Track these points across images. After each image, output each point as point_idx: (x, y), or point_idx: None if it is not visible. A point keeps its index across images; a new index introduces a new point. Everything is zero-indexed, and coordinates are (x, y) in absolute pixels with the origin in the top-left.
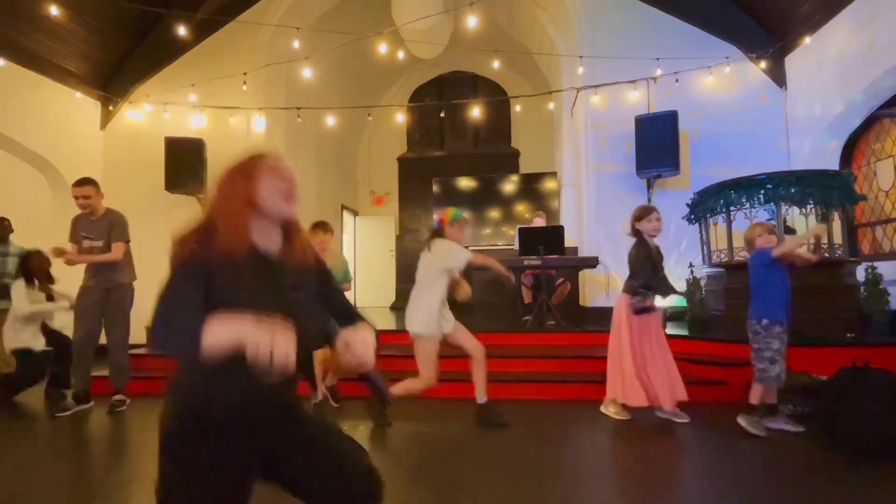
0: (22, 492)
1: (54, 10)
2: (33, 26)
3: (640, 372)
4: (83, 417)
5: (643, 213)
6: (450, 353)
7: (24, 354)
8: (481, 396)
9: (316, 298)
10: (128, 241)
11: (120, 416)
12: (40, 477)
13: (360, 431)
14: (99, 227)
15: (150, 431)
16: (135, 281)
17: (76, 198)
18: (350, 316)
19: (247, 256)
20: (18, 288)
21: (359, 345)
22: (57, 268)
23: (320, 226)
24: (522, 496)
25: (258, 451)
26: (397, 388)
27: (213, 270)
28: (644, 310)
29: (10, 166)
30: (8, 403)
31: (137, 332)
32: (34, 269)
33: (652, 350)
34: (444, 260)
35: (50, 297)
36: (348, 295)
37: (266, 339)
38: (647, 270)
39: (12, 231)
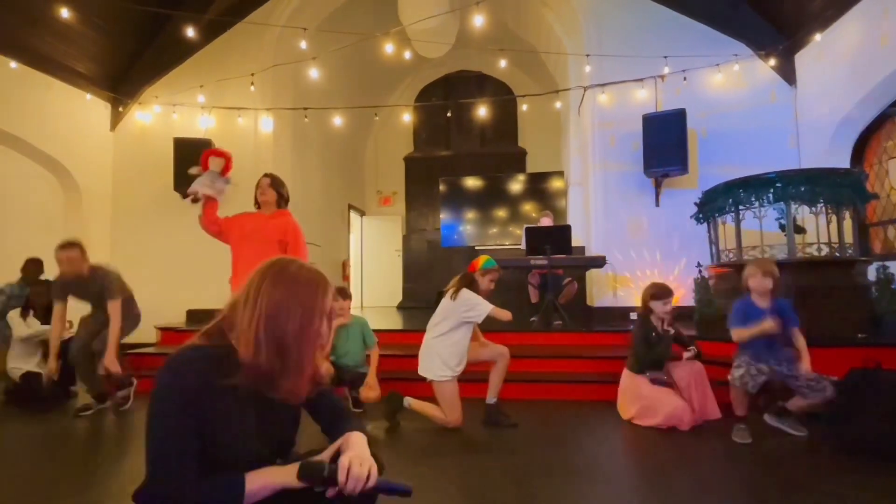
0: (44, 482)
1: (65, 13)
2: (44, 29)
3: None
4: (99, 415)
5: (660, 294)
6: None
7: (32, 376)
8: (492, 397)
9: (295, 418)
10: (122, 297)
11: (127, 412)
12: (58, 469)
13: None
14: (89, 289)
15: None
16: (131, 298)
17: (60, 261)
18: (340, 420)
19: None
20: (13, 315)
21: (355, 469)
22: None
23: (339, 292)
24: (529, 495)
25: None
26: (419, 405)
27: (209, 402)
28: (660, 382)
29: (23, 167)
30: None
31: (147, 333)
32: (32, 299)
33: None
34: (465, 311)
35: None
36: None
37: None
38: (641, 350)
39: (43, 272)
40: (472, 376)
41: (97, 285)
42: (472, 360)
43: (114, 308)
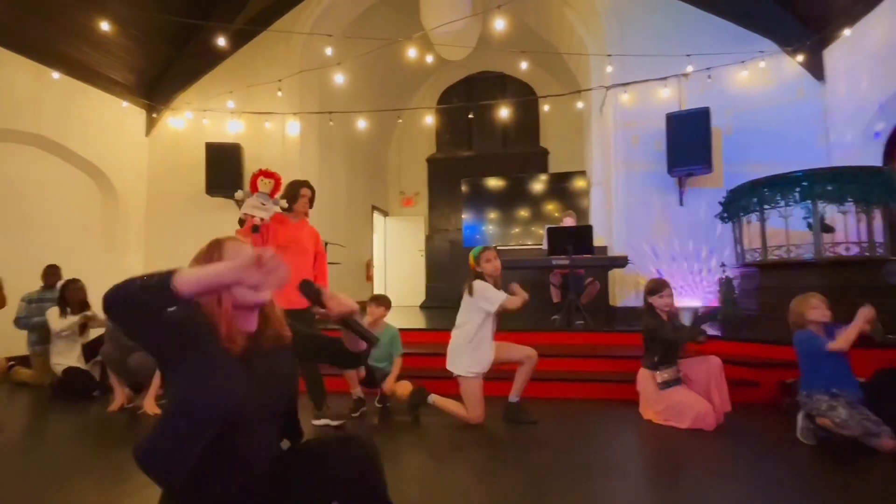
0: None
1: (104, 25)
2: (83, 40)
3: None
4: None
5: (656, 288)
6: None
7: (72, 370)
8: (515, 395)
9: (293, 363)
10: None
11: (164, 407)
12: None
13: (395, 424)
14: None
15: None
16: None
17: None
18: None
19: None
20: (51, 312)
21: (343, 297)
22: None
23: (375, 299)
24: (548, 489)
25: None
26: (442, 402)
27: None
28: (668, 384)
29: (63, 172)
30: (69, 398)
31: None
32: (68, 297)
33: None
34: (482, 301)
35: (84, 326)
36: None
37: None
38: (658, 343)
39: (60, 278)
40: (497, 375)
41: None
42: (502, 359)
43: None
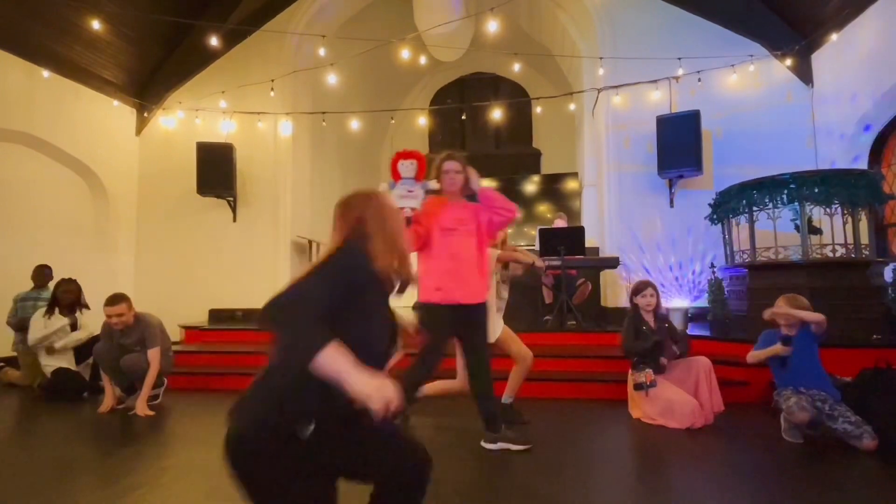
0: (71, 475)
1: (96, 24)
2: (74, 39)
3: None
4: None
5: (639, 288)
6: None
7: (61, 371)
8: (508, 397)
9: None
10: (162, 346)
11: (155, 408)
12: (88, 462)
13: None
14: (133, 334)
15: (185, 422)
16: (169, 348)
17: (109, 316)
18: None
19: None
20: (35, 319)
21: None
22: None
23: None
24: (538, 489)
25: (345, 456)
26: (431, 388)
27: (368, 285)
28: (641, 386)
29: (53, 171)
30: (62, 399)
31: (171, 332)
32: (59, 297)
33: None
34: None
35: (73, 326)
36: None
37: (382, 401)
38: (629, 340)
39: (52, 278)
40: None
41: (139, 330)
42: (501, 344)
43: (153, 355)
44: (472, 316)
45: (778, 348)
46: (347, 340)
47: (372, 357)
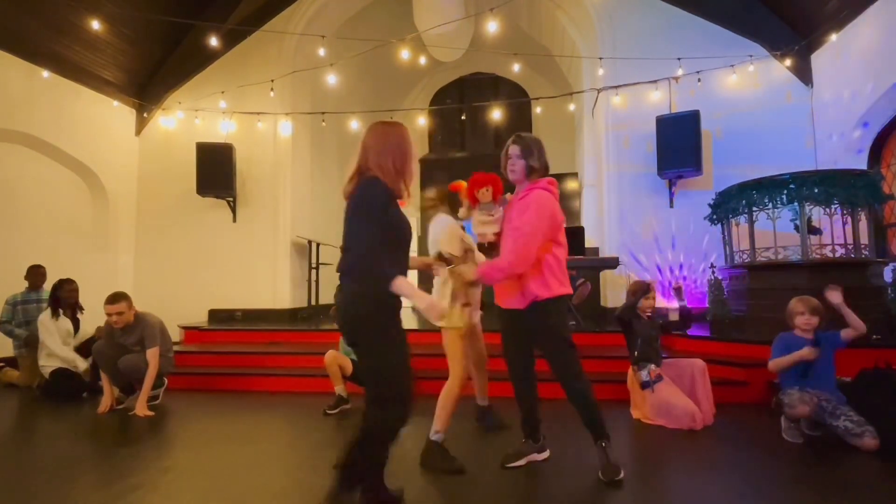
0: (72, 476)
1: (96, 25)
2: (74, 39)
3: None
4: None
5: (642, 289)
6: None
7: (60, 371)
8: (482, 399)
9: None
10: (161, 346)
11: (155, 408)
12: (89, 463)
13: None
14: (133, 334)
15: (185, 423)
16: (170, 350)
17: (109, 315)
18: None
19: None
20: (42, 320)
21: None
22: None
23: None
24: (536, 490)
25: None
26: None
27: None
28: (647, 384)
29: (53, 172)
30: (61, 399)
31: (171, 332)
32: (62, 298)
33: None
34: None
35: (76, 326)
36: None
37: (433, 306)
38: (634, 343)
39: (46, 279)
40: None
41: (139, 329)
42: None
43: (152, 355)
44: (521, 321)
45: (806, 352)
46: (395, 246)
47: (405, 248)
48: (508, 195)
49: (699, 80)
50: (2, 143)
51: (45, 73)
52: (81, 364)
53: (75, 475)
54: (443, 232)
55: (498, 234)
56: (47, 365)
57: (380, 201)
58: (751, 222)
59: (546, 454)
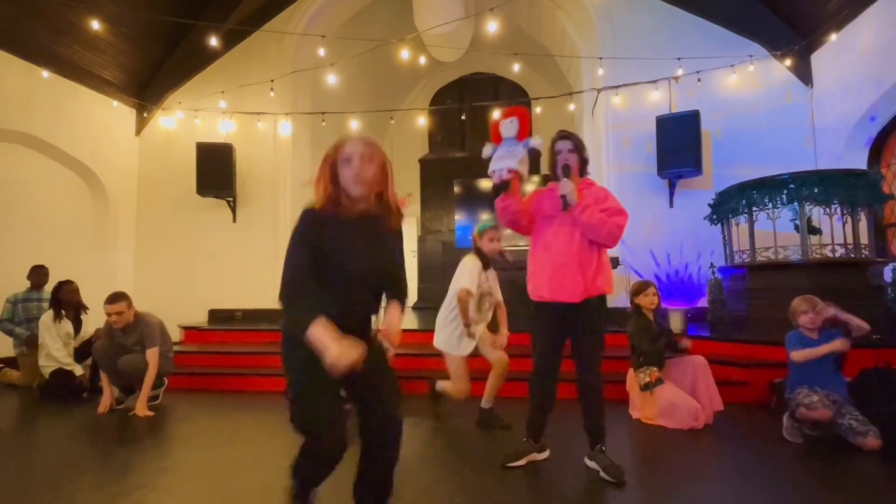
0: (70, 476)
1: (95, 24)
2: (74, 39)
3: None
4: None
5: (640, 289)
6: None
7: (60, 371)
8: (487, 401)
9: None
10: (161, 347)
11: (155, 408)
12: (89, 461)
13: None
14: (132, 334)
15: (185, 423)
16: (170, 350)
17: (108, 314)
18: (395, 284)
19: (350, 215)
20: (44, 322)
21: (391, 336)
22: (87, 296)
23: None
24: (536, 491)
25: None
26: (441, 385)
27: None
28: (648, 386)
29: (53, 172)
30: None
31: (171, 332)
32: (63, 299)
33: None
34: (455, 279)
35: (78, 327)
36: None
37: (338, 359)
38: (645, 342)
39: (48, 279)
40: (473, 376)
41: (139, 330)
42: (480, 350)
43: (151, 355)
44: (570, 315)
45: (839, 343)
46: (325, 275)
47: (342, 279)
48: (538, 139)
49: (699, 80)
50: (1, 142)
51: (45, 73)
52: (78, 370)
53: (75, 475)
54: (468, 272)
55: (513, 171)
56: (47, 365)
57: (309, 226)
58: (751, 222)
59: (546, 454)
